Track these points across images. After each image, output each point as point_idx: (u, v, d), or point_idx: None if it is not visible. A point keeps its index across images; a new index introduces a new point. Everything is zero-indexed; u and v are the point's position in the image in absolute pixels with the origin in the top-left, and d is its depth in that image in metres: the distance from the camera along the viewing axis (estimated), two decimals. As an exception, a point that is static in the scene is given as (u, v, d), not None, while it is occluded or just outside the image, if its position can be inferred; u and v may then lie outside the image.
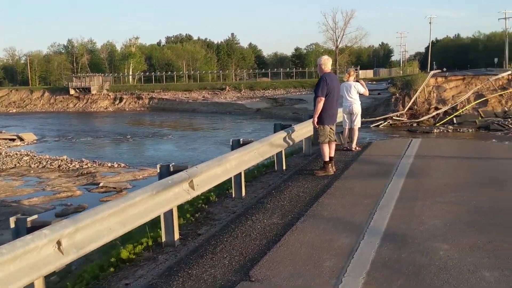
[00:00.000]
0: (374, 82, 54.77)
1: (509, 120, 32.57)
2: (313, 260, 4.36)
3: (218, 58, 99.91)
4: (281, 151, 8.47)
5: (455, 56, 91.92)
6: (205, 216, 6.16)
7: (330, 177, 7.76)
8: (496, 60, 61.76)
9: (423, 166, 8.39)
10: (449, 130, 31.44)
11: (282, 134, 8.24)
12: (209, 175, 5.54)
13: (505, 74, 36.12)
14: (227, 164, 6.01)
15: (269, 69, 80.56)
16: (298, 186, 7.27)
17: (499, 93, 34.92)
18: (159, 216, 4.99)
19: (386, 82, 49.55)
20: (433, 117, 34.42)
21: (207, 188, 5.61)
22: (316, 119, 7.92)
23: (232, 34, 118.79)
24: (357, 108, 10.08)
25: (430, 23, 73.94)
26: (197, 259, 4.61)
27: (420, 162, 8.74)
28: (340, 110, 10.09)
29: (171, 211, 5.04)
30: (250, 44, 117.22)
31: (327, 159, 8.04)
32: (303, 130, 9.31)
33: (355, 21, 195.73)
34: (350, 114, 10.14)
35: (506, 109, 34.17)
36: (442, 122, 33.57)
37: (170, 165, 5.16)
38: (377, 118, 35.24)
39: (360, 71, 64.80)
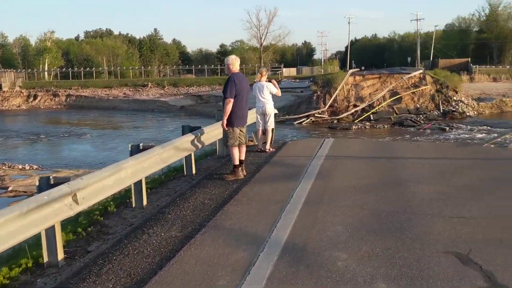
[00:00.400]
0: (297, 80, 55.84)
1: (421, 116, 34.49)
2: (206, 279, 4.03)
3: (140, 54, 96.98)
4: (190, 155, 8.09)
5: (373, 55, 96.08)
6: (98, 230, 5.64)
7: (240, 181, 7.49)
8: (409, 59, 65.27)
9: (332, 168, 8.36)
10: (367, 127, 32.67)
11: (189, 137, 7.85)
12: (98, 186, 5.03)
13: (417, 73, 38.16)
14: (121, 172, 5.53)
15: (194, 66, 79.47)
16: (205, 192, 6.93)
17: (411, 91, 36.81)
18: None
19: (309, 80, 50.61)
20: (352, 114, 35.61)
21: (95, 201, 5.10)
22: (225, 121, 7.62)
23: (155, 29, 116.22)
24: (270, 109, 9.91)
25: (349, 23, 76.63)
26: (78, 283, 4.12)
27: (330, 163, 8.71)
28: (253, 111, 9.89)
29: (53, 227, 4.50)
30: (174, 40, 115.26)
31: (237, 162, 7.77)
32: (215, 132, 8.97)
33: (279, 19, 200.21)
34: (264, 115, 9.95)
35: (418, 106, 36.12)
36: (360, 118, 34.84)
37: (51, 177, 4.60)
38: (300, 116, 35.89)
39: (284, 69, 65.72)
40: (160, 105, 51.63)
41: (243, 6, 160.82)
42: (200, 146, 8.20)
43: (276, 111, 10.40)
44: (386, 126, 32.65)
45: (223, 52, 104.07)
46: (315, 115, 35.60)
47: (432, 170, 8.23)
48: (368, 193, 6.56)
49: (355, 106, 36.26)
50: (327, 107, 36.02)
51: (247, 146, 8.40)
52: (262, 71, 10.13)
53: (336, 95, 36.51)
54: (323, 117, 35.48)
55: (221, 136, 9.17)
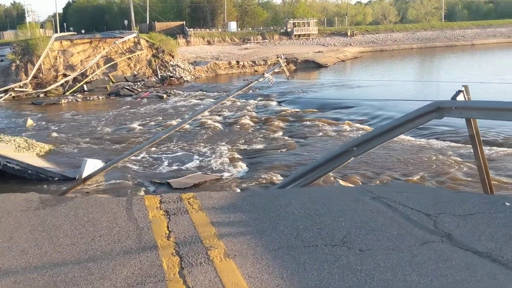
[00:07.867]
0: (-5, 47, 47.14)
1: (139, 84, 32.69)
2: None
3: None
4: None
5: (94, 18, 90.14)
6: None
7: None
8: (126, 22, 62.63)
9: None
10: (79, 99, 29.02)
11: None
12: None
13: (130, 37, 35.96)
14: None
15: None
16: None
17: (127, 57, 34.57)
18: None
19: (11, 46, 42.96)
20: (62, 85, 31.36)
21: None
22: None
23: None
24: None
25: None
26: None
27: None
28: None
29: None
30: None
31: None
32: None
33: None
34: None
35: (136, 73, 34.24)
36: (72, 90, 30.95)
37: None
38: (-4, 91, 29.67)
39: (-22, 34, 54.78)
40: None
41: None
42: None
43: None
44: (101, 97, 29.61)
45: None
46: (15, 89, 29.92)
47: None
48: None
49: (65, 75, 31.97)
50: (29, 78, 30.66)
51: None
52: None
53: (40, 64, 31.40)
54: (26, 91, 30.12)
55: None
